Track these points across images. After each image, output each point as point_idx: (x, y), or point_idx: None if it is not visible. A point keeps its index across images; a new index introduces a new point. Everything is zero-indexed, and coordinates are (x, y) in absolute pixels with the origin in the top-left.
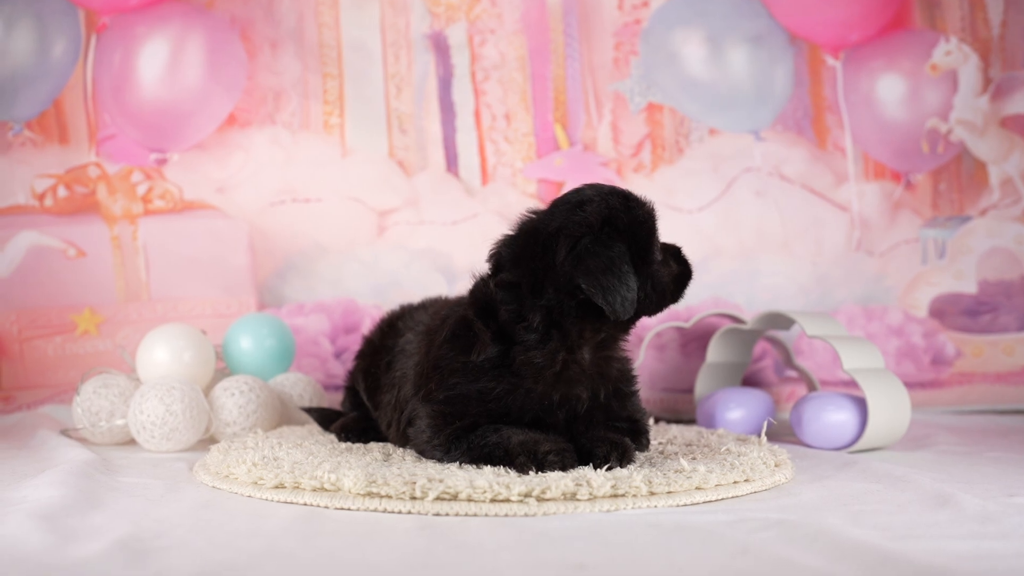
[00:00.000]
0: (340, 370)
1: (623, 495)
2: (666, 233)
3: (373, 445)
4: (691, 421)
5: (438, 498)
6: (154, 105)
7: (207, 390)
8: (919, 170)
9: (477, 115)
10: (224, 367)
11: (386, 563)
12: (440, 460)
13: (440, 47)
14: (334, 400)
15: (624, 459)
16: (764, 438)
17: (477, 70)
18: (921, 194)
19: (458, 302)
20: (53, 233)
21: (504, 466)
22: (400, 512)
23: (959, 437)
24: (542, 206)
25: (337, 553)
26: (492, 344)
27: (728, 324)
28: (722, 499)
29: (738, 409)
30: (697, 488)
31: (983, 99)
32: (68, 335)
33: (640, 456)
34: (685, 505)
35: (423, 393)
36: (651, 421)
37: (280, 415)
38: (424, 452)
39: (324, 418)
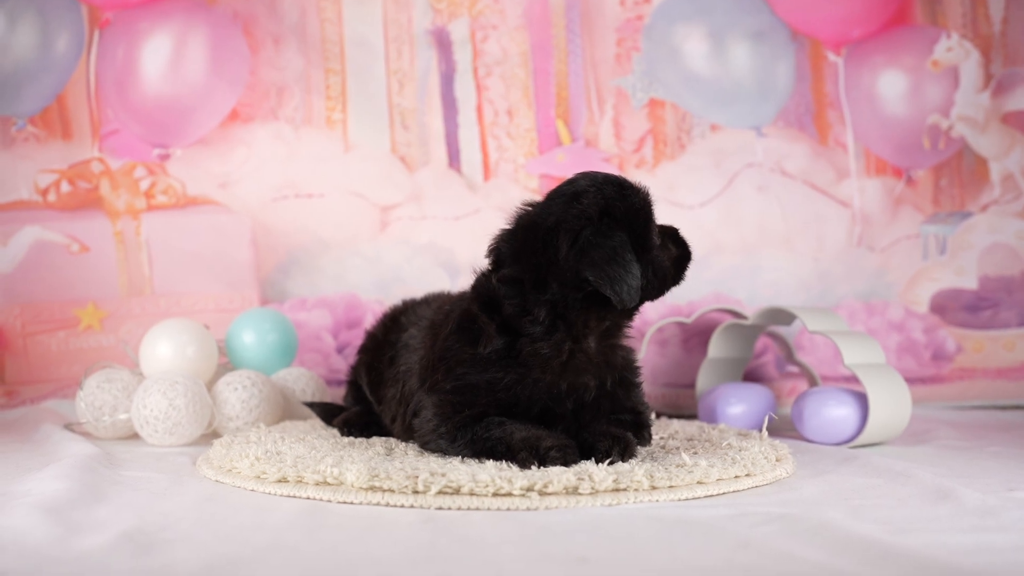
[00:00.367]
0: (343, 365)
1: (625, 489)
2: None
3: (376, 439)
4: (692, 416)
5: (440, 492)
6: (157, 100)
7: (210, 385)
8: (920, 166)
9: (479, 111)
10: (227, 362)
11: (389, 557)
12: (444, 451)
13: (442, 43)
14: (336, 395)
15: (626, 453)
16: (765, 433)
17: (479, 66)
18: (922, 190)
19: (461, 297)
20: (56, 228)
21: (506, 461)
22: (403, 506)
23: (959, 432)
24: (538, 199)
25: (340, 547)
26: (497, 337)
27: (729, 320)
28: (723, 493)
29: (739, 404)
30: (699, 482)
31: (984, 95)
32: (71, 330)
33: (642, 450)
34: (687, 499)
35: (429, 384)
36: (653, 416)
37: (283, 410)
38: (428, 442)
39: (327, 413)
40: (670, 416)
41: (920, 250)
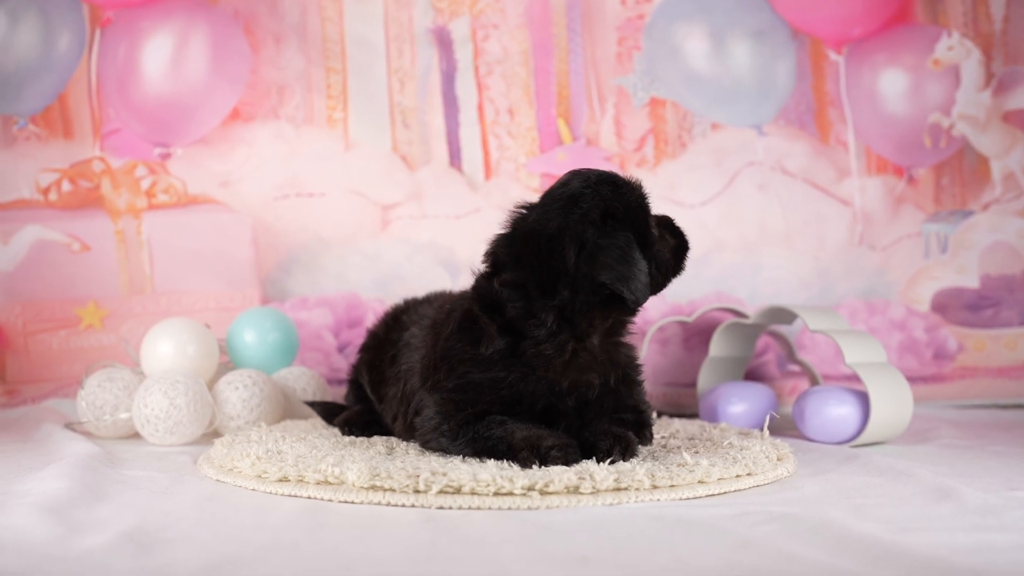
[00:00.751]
0: (344, 364)
1: (626, 488)
2: None
3: (377, 439)
4: (694, 415)
5: (442, 491)
6: (158, 99)
7: (211, 384)
8: (921, 165)
9: (480, 109)
10: (228, 361)
11: (390, 556)
12: (445, 449)
13: (443, 42)
14: (338, 394)
15: (627, 453)
16: (766, 432)
17: (480, 64)
18: (923, 189)
19: (462, 296)
20: (57, 227)
21: (508, 460)
22: (404, 505)
23: (961, 431)
24: (532, 200)
25: (341, 546)
26: (499, 337)
27: (730, 319)
28: (725, 492)
29: (740, 403)
30: (700, 482)
31: (985, 94)
32: (72, 329)
33: (643, 450)
34: (688, 499)
35: (431, 383)
36: (654, 415)
37: (284, 409)
38: (429, 441)
39: (328, 412)
40: (671, 415)
41: (921, 249)
